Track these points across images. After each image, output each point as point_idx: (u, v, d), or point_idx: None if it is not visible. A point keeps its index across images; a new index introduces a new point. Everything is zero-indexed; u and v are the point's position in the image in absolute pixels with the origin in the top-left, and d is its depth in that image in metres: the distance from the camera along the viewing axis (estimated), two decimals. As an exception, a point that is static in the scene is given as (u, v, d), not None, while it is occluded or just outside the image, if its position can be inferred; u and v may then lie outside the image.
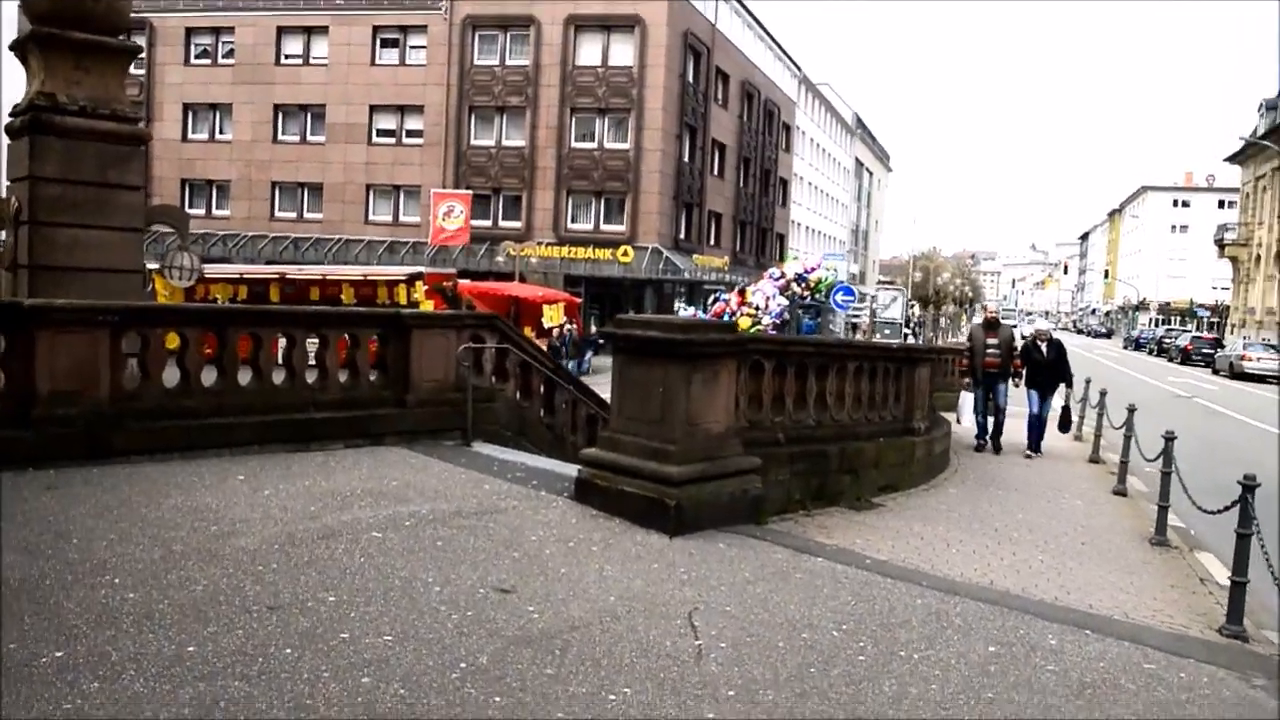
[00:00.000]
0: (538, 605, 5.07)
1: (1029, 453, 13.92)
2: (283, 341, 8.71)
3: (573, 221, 39.99)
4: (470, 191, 37.87)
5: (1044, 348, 14.01)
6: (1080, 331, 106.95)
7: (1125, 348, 77.35)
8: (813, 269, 34.29)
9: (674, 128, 39.99)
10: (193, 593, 4.82)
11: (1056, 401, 14.80)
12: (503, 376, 10.29)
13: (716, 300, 32.56)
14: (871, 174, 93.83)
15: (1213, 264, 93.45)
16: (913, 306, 77.37)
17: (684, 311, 32.29)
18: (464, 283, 30.81)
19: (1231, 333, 64.42)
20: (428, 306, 29.34)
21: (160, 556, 5.33)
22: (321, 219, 42.72)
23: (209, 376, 8.27)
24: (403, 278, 32.09)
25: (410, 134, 41.71)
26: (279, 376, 8.63)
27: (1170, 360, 57.72)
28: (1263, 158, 63.14)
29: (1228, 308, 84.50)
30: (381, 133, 42.15)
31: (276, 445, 8.20)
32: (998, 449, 14.05)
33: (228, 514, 6.26)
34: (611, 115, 39.50)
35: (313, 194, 43.25)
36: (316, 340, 8.92)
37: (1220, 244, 68.99)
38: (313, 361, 8.92)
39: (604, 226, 39.63)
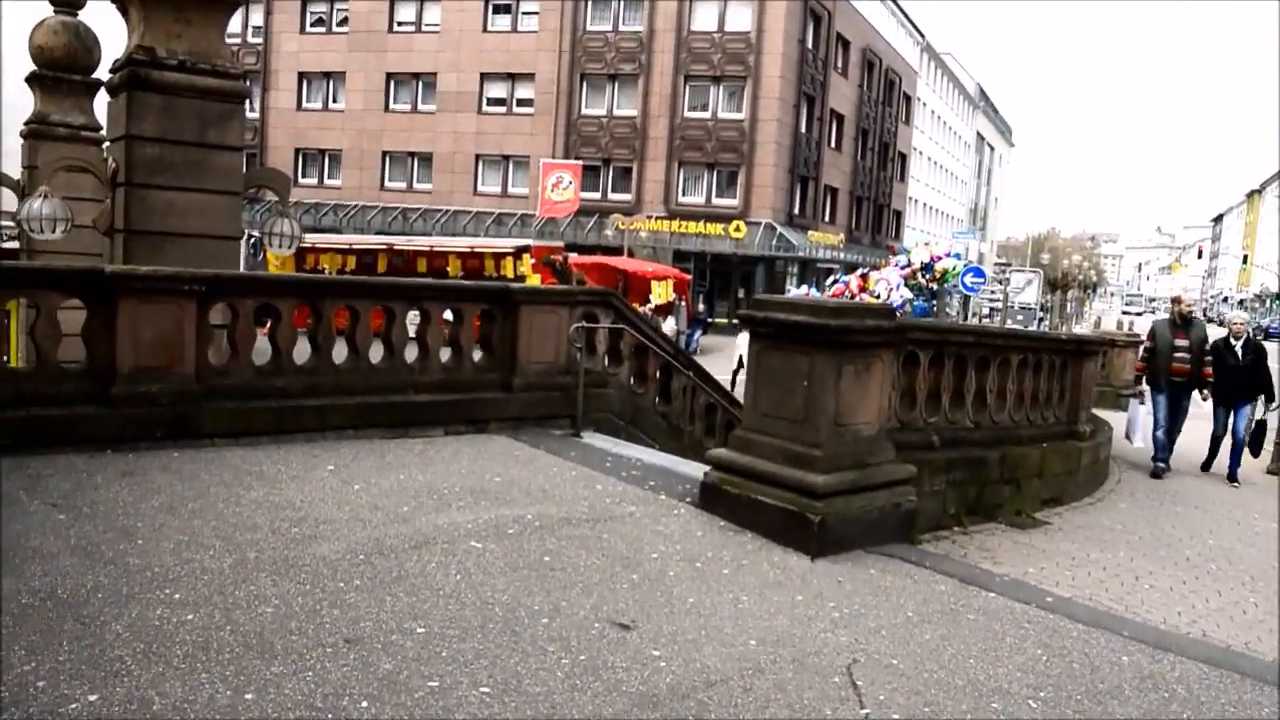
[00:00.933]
0: (664, 649, 4.19)
1: (1233, 483, 11.44)
2: (382, 316, 8.01)
3: (684, 194, 38.95)
4: (580, 162, 37.16)
5: (1239, 349, 11.55)
6: (1211, 320, 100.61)
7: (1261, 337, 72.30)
8: (940, 257, 32.51)
9: (791, 97, 38.49)
10: (261, 616, 4.09)
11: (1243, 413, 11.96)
12: (616, 359, 9.43)
13: (836, 282, 31.15)
14: (993, 149, 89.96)
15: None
16: (1034, 289, 74.07)
17: (797, 291, 30.99)
18: (573, 256, 30.20)
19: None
20: (534, 281, 28.79)
21: (231, 566, 4.63)
22: (431, 190, 42.69)
23: (301, 353, 7.63)
24: (509, 250, 31.66)
25: (520, 103, 41.22)
26: (377, 354, 7.94)
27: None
28: None
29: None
30: (492, 101, 41.78)
31: (372, 430, 7.52)
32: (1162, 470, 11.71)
33: (312, 513, 5.56)
34: (727, 83, 38.22)
35: (422, 164, 43.25)
36: (418, 316, 8.20)
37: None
38: (413, 337, 8.21)
39: (716, 200, 38.48)
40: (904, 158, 57.50)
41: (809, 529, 5.68)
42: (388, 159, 43.95)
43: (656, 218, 37.54)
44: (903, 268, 31.40)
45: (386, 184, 43.84)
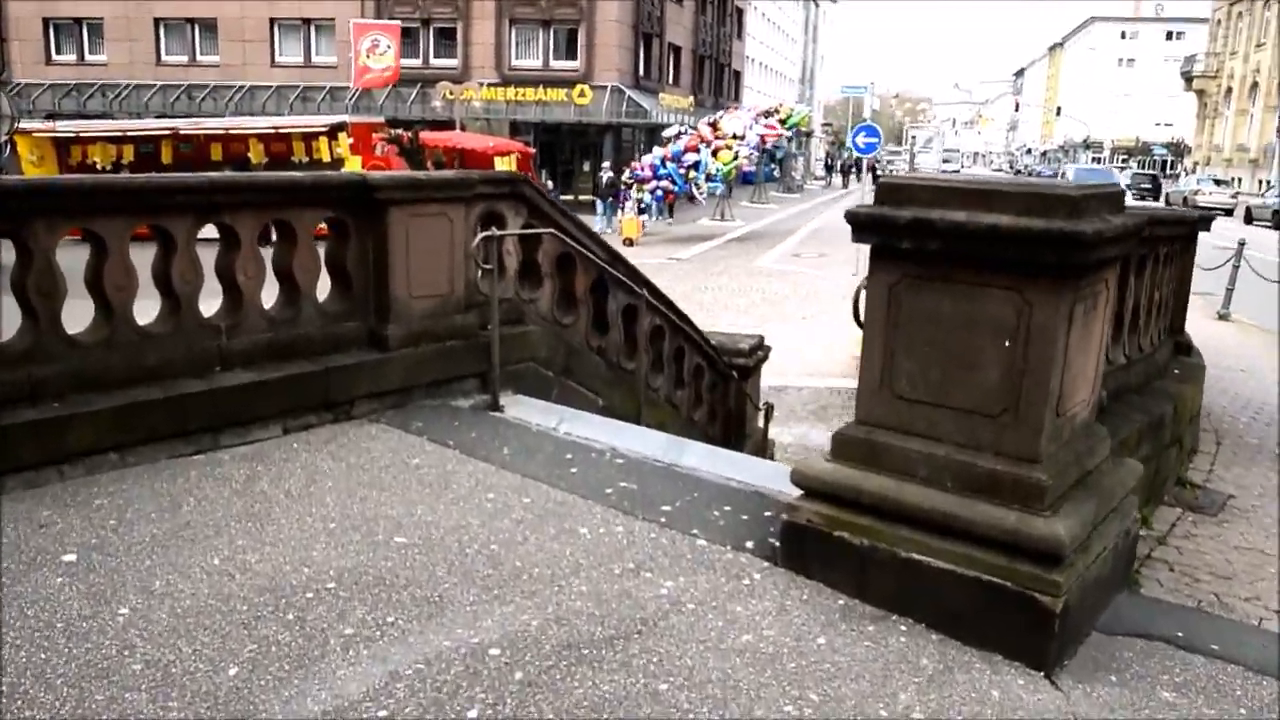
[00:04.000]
0: None
1: None
2: (152, 245, 4.60)
3: (517, 57, 34.61)
4: (397, 22, 32.17)
5: None
6: (1019, 172, 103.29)
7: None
8: (777, 107, 30.02)
9: (631, -56, 34.47)
10: None
11: None
12: (533, 279, 6.33)
13: (681, 135, 28.28)
14: (817, 4, 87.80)
15: (1160, 99, 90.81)
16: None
17: (649, 157, 27.91)
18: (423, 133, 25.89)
19: (1195, 170, 61.87)
20: (354, 166, 24.51)
21: None
22: (218, 62, 36.50)
23: (8, 326, 4.22)
24: (322, 128, 26.94)
25: (319, -45, 35.36)
26: (151, 315, 4.59)
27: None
28: (1240, -20, 59.34)
29: (1183, 145, 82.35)
30: (283, -46, 35.67)
31: (152, 448, 4.26)
32: None
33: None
34: (558, -71, 33.73)
35: (206, 32, 36.84)
36: (219, 236, 4.83)
37: (1187, 76, 65.68)
38: (217, 274, 4.85)
39: (554, 63, 34.39)
40: (740, 13, 54.25)
41: (1042, 623, 2.97)
42: (162, 28, 37.23)
43: (489, 85, 33.19)
44: (750, 109, 28.93)
45: (164, 58, 37.26)
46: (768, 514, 4.03)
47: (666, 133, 30.49)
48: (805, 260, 23.95)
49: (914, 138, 30.00)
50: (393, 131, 21.19)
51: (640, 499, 4.15)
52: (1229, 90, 61.10)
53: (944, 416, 3.26)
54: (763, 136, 27.95)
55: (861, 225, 3.28)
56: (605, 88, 33.23)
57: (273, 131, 27.04)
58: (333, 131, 25.83)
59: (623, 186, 27.15)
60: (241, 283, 4.79)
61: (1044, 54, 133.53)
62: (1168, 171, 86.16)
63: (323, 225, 5.21)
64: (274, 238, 5.02)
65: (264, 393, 4.66)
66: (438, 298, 5.54)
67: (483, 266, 5.45)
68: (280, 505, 3.90)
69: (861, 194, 22.58)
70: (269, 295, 5.00)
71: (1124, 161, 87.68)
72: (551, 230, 5.97)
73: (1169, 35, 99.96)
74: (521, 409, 5.51)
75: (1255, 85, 56.55)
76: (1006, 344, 3.10)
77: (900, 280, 3.28)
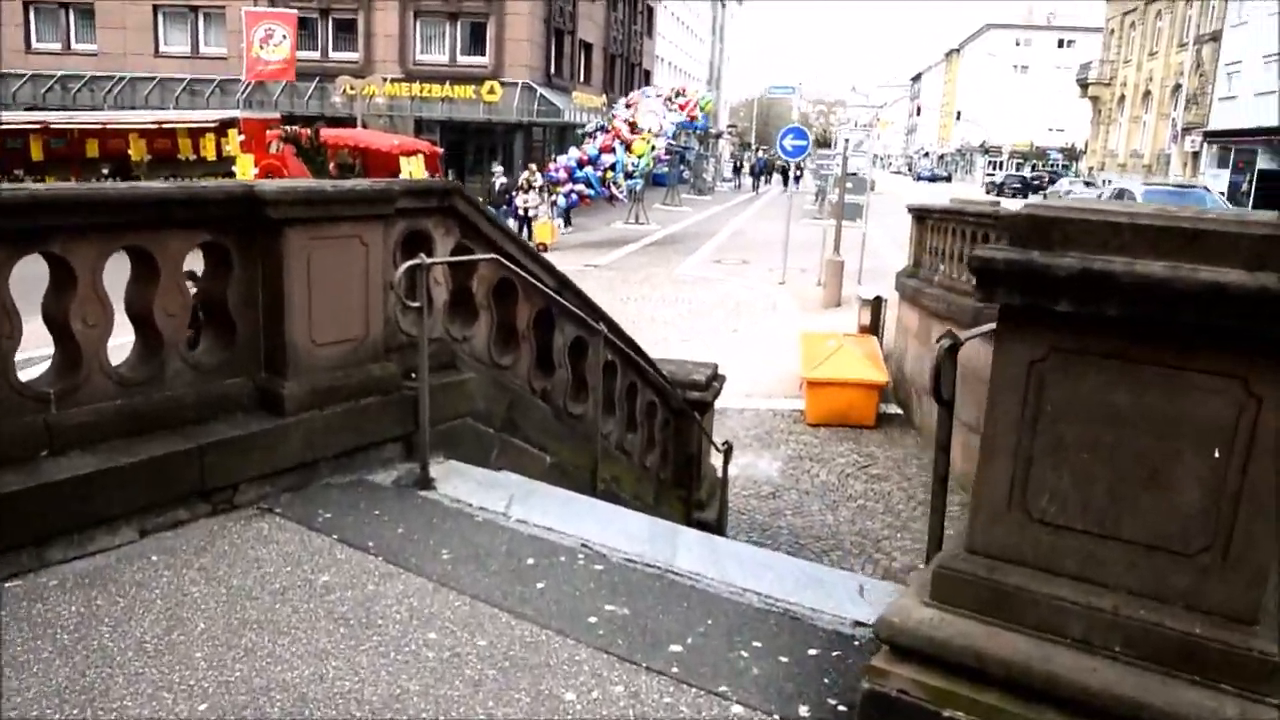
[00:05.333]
0: None
1: None
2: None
3: (423, 51, 32.98)
4: (293, 11, 30.25)
5: None
6: (921, 178, 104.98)
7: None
8: (683, 90, 29.02)
9: (542, -67, 33.18)
10: None
11: None
12: (466, 312, 5.16)
13: (599, 132, 27.12)
14: (724, 6, 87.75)
15: (1053, 105, 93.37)
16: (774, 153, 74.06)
17: (564, 159, 26.69)
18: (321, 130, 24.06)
19: (1090, 174, 63.40)
20: (247, 169, 22.67)
21: None
22: (96, 51, 33.93)
23: None
24: (211, 124, 24.97)
25: (206, -63, 33.15)
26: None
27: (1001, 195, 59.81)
28: (1133, -11, 61.09)
29: (1075, 150, 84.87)
30: (168, -64, 33.33)
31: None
32: None
33: None
34: (466, -85, 32.26)
35: (82, 17, 34.21)
36: (50, 269, 3.56)
37: (1083, 83, 67.38)
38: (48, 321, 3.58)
39: (462, 58, 32.87)
40: (651, 11, 53.39)
41: None
42: (32, 12, 34.44)
43: (392, 80, 31.51)
44: (658, 96, 27.87)
45: (34, 45, 34.48)
46: (812, 652, 2.99)
47: (587, 128, 29.35)
48: (728, 267, 23.12)
49: (847, 141, 29.00)
50: (289, 129, 19.38)
51: (637, 633, 3.06)
52: (1122, 97, 62.89)
53: (1112, 552, 2.25)
54: (685, 112, 26.88)
55: (996, 277, 2.25)
56: (515, 85, 31.89)
57: (155, 127, 25.03)
58: (222, 127, 23.99)
59: (512, 192, 25.54)
60: (79, 333, 3.53)
61: (941, 59, 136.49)
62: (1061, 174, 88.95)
63: (199, 250, 3.96)
64: (136, 265, 3.76)
65: (111, 483, 3.41)
66: (349, 343, 4.35)
67: (407, 304, 4.27)
68: (125, 672, 2.68)
69: (790, 200, 21.79)
70: (123, 347, 3.74)
71: (1018, 166, 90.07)
72: (493, 256, 4.81)
73: (1060, 43, 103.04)
74: (458, 483, 4.35)
75: (1148, 93, 58.27)
76: (1215, 453, 2.11)
77: (1048, 356, 2.26)
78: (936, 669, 2.43)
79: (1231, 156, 45.71)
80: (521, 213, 26.20)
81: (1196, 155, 48.67)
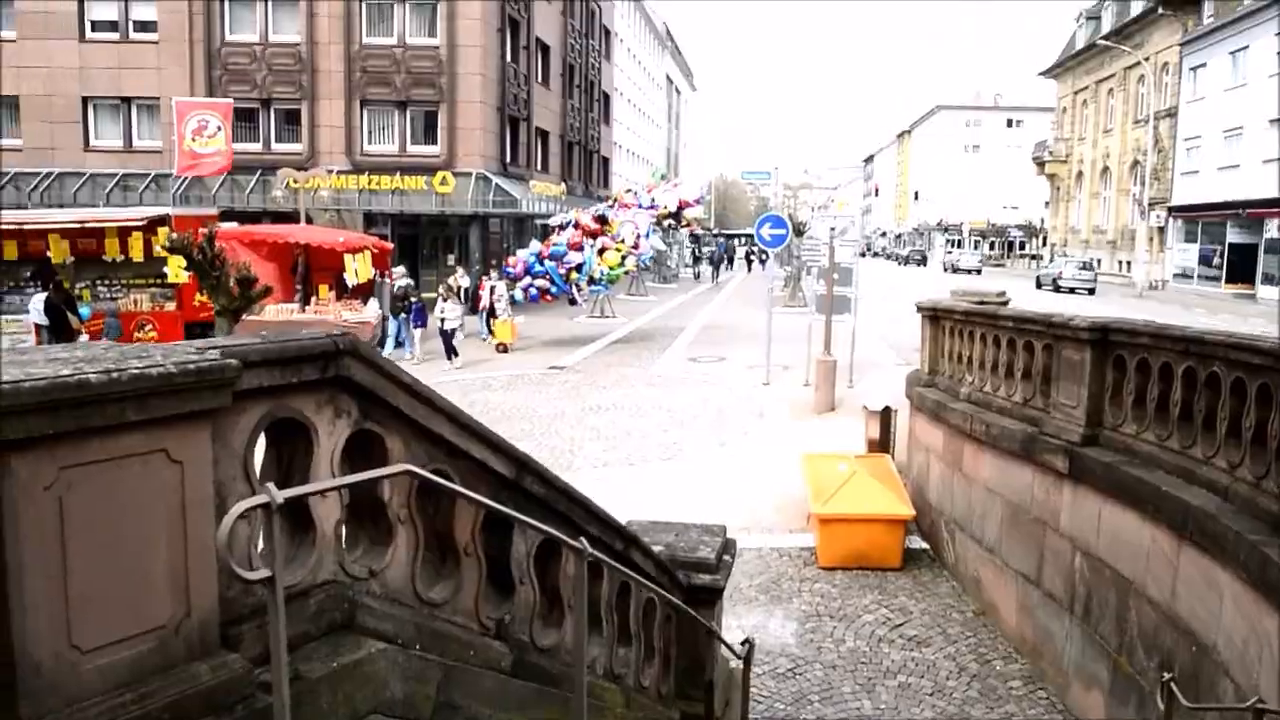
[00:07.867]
0: None
1: None
2: None
3: (370, 142, 31.39)
4: (229, 100, 28.60)
5: None
6: (879, 255, 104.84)
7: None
8: (691, 203, 27.68)
9: (495, 19, 31.94)
10: None
11: None
12: (374, 531, 3.25)
13: (564, 229, 25.39)
14: (679, 93, 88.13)
15: (1006, 183, 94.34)
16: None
17: (524, 253, 25.00)
18: (227, 227, 22.25)
19: (1060, 251, 63.12)
20: (177, 268, 20.65)
21: None
22: (21, 146, 31.95)
23: None
24: (139, 222, 23.06)
25: (139, 26, 31.40)
26: None
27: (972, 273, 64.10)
28: (1083, 70, 61.80)
29: (1033, 226, 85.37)
30: (99, 25, 31.54)
31: None
32: None
33: None
34: (414, 0, 31.04)
35: (6, 110, 32.35)
36: None
37: (1039, 161, 67.71)
38: None
39: (412, 148, 31.29)
40: (608, 98, 52.67)
41: None
42: (-49, 105, 32.53)
43: (339, 172, 29.82)
44: (649, 207, 26.29)
45: (-46, 139, 32.51)
46: None
47: (552, 221, 27.72)
48: (705, 365, 21.35)
49: (833, 229, 27.32)
50: (174, 235, 17.10)
51: None
52: (1080, 174, 63.11)
53: None
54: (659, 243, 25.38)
55: None
56: (470, 175, 30.32)
57: (78, 226, 23.06)
58: (151, 226, 22.09)
59: (413, 300, 22.49)
60: None
61: (892, 141, 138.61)
62: (1020, 251, 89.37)
63: None
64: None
65: None
66: (149, 636, 2.40)
67: (244, 577, 2.35)
68: None
69: (769, 287, 20.09)
70: None
71: (976, 245, 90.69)
72: (405, 468, 2.90)
73: (1009, 122, 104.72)
74: None
75: (1106, 169, 58.41)
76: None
77: None
78: None
79: (1199, 231, 45.39)
80: (486, 306, 24.28)
81: (1163, 230, 48.35)
